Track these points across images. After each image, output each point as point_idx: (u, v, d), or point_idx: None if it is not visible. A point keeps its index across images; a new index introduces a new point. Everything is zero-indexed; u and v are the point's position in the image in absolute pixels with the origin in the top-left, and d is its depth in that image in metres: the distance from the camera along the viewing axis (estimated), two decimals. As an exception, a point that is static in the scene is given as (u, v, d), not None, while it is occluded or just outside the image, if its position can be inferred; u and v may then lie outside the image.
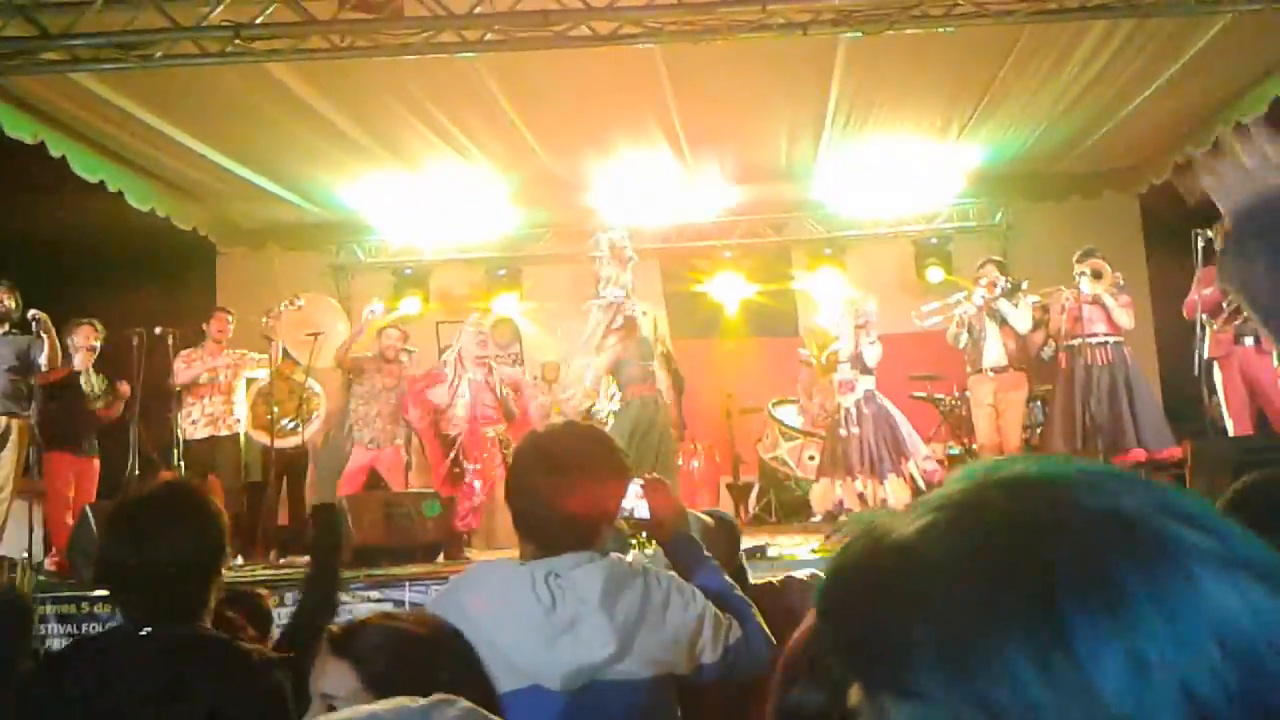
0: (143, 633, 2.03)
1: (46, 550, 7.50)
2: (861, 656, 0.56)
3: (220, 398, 8.19)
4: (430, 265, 11.21)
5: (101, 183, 8.11)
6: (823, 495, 8.15)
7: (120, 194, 8.42)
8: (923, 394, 8.48)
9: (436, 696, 1.05)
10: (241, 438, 8.35)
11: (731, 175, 9.81)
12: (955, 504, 0.57)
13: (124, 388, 7.69)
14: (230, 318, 8.41)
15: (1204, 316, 6.75)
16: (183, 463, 7.83)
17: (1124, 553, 0.51)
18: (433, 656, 1.44)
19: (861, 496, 7.79)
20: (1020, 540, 0.52)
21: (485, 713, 1.08)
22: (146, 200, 8.86)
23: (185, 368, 8.04)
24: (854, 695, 0.56)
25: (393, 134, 8.32)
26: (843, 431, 7.96)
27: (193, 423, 8.11)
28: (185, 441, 8.02)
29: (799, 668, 1.22)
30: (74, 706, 1.95)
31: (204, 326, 8.29)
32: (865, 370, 7.99)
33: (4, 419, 7.03)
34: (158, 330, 7.68)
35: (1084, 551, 0.51)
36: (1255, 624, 0.50)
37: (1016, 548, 0.52)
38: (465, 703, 1.07)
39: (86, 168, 7.89)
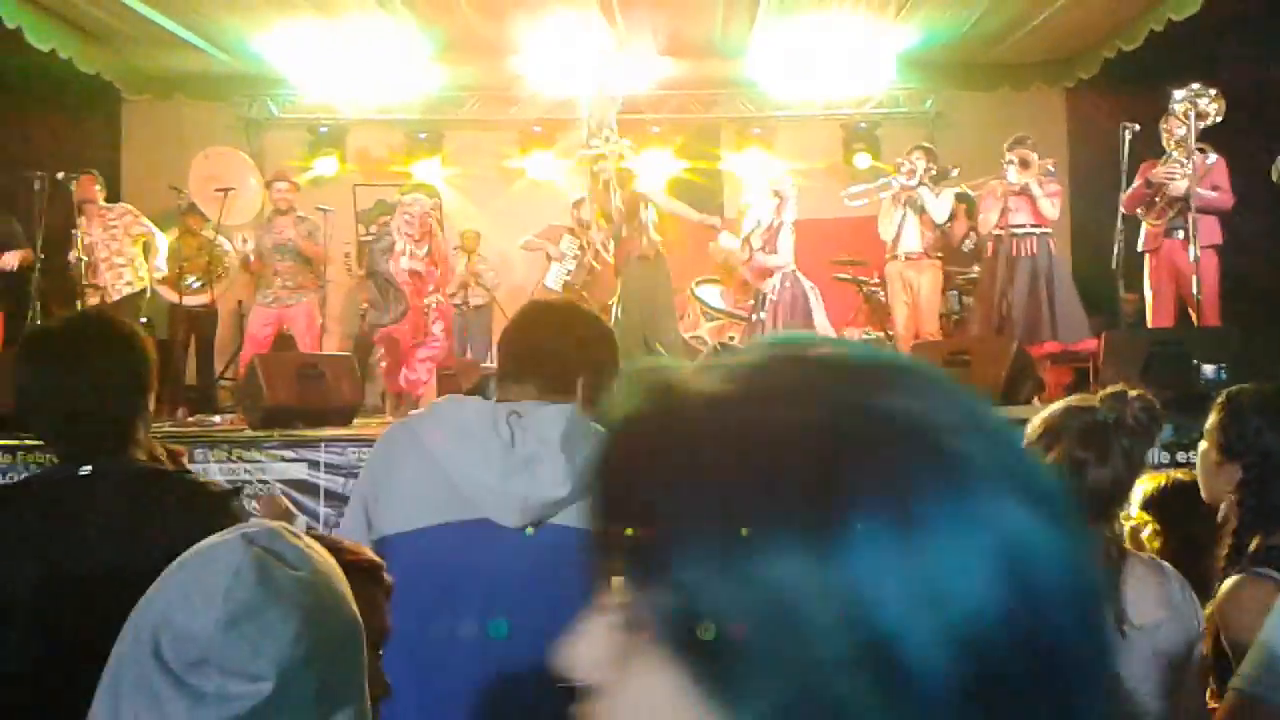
0: (83, 471, 1.88)
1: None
2: (622, 534, 0.50)
3: (107, 269, 7.79)
4: (347, 125, 10.79)
5: (-2, 17, 7.60)
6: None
7: (18, 30, 7.88)
8: (845, 276, 8.52)
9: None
10: (145, 297, 8.01)
11: (664, 46, 9.57)
12: (754, 377, 0.52)
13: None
14: (97, 178, 7.95)
15: (1138, 210, 6.82)
16: None
17: (915, 462, 0.48)
18: None
19: None
20: (812, 431, 0.48)
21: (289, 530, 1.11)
22: (47, 39, 8.32)
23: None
24: (614, 578, 0.51)
25: (311, -21, 7.92)
26: (754, 318, 7.99)
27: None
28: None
29: None
30: (21, 554, 1.81)
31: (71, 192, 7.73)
32: (775, 250, 8.02)
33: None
34: (60, 176, 7.29)
35: (876, 456, 0.47)
36: (1032, 547, 0.48)
37: (806, 440, 0.48)
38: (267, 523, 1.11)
39: (-20, 1, 7.39)
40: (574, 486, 1.97)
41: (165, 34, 8.91)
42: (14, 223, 7.41)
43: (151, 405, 2.02)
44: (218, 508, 1.83)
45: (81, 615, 1.76)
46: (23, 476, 2.07)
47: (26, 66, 8.26)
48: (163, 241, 8.25)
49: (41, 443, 2.11)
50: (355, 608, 1.12)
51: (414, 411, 2.17)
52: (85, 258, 7.67)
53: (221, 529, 1.12)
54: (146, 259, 8.11)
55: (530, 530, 1.98)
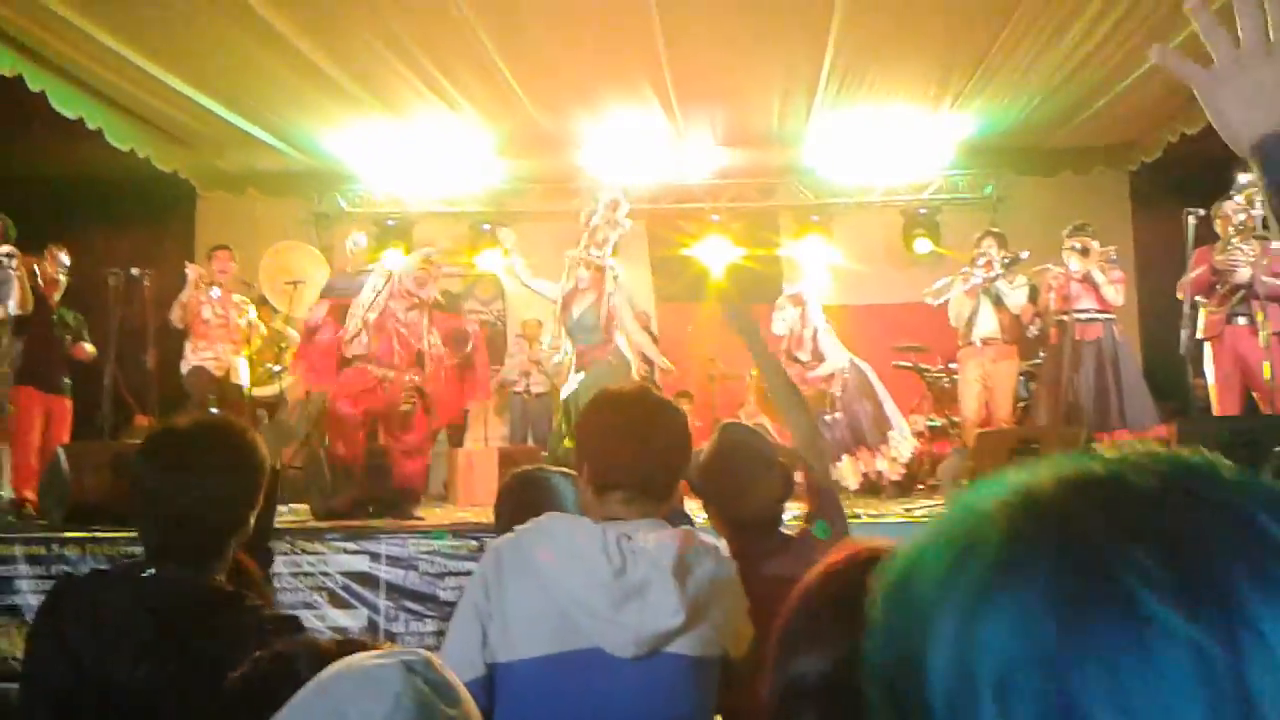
0: (144, 574, 1.87)
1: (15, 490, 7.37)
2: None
3: (229, 345, 8.14)
4: (414, 217, 11.08)
5: (80, 120, 7.93)
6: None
7: (99, 132, 8.24)
8: (907, 364, 8.44)
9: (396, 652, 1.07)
10: (246, 390, 8.29)
11: (722, 137, 9.71)
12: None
13: (84, 351, 7.62)
14: (233, 256, 8.29)
15: (1198, 297, 6.71)
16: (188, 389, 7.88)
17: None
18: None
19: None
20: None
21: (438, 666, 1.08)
22: (126, 140, 8.69)
23: (187, 304, 8.02)
24: None
25: (379, 80, 8.15)
26: (827, 417, 7.93)
27: (195, 352, 8.05)
28: (190, 369, 7.99)
29: (799, 636, 1.16)
30: (69, 648, 1.80)
31: (201, 266, 8.20)
32: (824, 356, 8.03)
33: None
34: (135, 272, 7.53)
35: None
36: None
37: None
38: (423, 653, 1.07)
39: (66, 103, 7.72)
40: (688, 616, 1.91)
41: (240, 134, 9.25)
42: (77, 315, 7.68)
43: (252, 520, 1.99)
44: (257, 639, 1.68)
45: (95, 714, 1.76)
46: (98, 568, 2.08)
47: (106, 166, 8.60)
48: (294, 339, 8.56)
49: (134, 536, 2.09)
50: None
51: (520, 527, 2.09)
52: (188, 333, 8.03)
53: (269, 662, 1.10)
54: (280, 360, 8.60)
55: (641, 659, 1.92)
